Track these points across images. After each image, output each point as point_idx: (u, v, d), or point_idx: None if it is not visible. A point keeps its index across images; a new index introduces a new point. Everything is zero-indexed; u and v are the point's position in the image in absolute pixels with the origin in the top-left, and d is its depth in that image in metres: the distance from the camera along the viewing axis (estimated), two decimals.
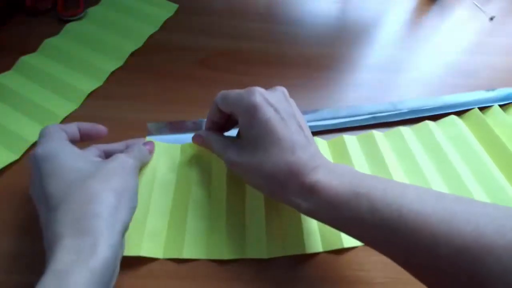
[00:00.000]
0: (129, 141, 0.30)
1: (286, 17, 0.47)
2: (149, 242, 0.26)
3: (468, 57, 0.45)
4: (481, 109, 0.37)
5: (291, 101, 0.27)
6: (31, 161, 0.23)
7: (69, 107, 0.34)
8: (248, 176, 0.26)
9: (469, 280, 0.18)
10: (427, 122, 0.36)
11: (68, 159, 0.23)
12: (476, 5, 0.53)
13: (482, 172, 0.32)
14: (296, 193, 0.23)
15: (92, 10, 0.43)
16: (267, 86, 0.39)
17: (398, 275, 0.28)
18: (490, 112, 0.37)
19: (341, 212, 0.22)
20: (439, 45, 0.47)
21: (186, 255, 0.26)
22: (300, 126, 0.25)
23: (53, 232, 0.20)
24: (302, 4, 0.49)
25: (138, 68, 0.39)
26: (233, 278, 0.27)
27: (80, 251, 0.19)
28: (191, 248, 0.27)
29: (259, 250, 0.27)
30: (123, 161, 0.24)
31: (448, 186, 0.32)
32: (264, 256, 0.27)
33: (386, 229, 0.20)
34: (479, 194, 0.31)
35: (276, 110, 0.25)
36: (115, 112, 0.35)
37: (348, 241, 0.28)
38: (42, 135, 0.25)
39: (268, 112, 0.24)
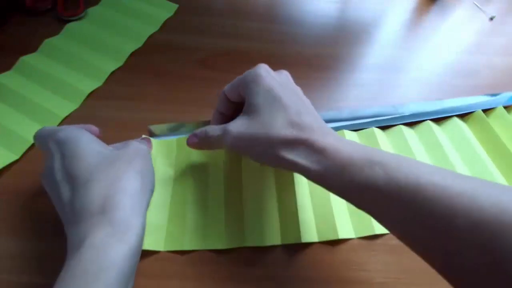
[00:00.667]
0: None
1: (286, 17, 0.47)
2: (150, 236, 0.26)
3: (468, 57, 0.45)
4: (485, 110, 0.37)
5: (297, 86, 0.28)
6: (49, 146, 0.24)
7: (69, 107, 0.34)
8: (255, 148, 0.25)
9: (481, 255, 0.17)
10: (429, 122, 0.36)
11: (90, 143, 0.24)
12: (476, 5, 0.53)
13: (482, 174, 0.32)
14: (304, 156, 0.23)
15: (92, 10, 0.43)
16: None
17: (398, 275, 0.28)
18: (493, 113, 0.37)
19: (353, 177, 0.21)
20: (439, 45, 0.47)
21: (186, 247, 0.27)
22: (304, 100, 0.26)
23: (80, 210, 0.20)
24: (302, 4, 0.49)
25: (138, 68, 0.39)
26: (231, 278, 0.27)
27: (115, 226, 0.20)
28: (192, 239, 0.27)
29: (257, 238, 0.28)
30: (139, 147, 0.25)
31: None
32: (261, 244, 0.27)
33: (401, 198, 0.20)
34: None
35: (279, 82, 0.25)
36: (115, 112, 0.35)
37: (343, 232, 0.28)
38: (45, 134, 0.25)
39: (272, 82, 0.25)
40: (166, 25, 0.44)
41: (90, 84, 0.36)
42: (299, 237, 0.28)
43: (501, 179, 0.32)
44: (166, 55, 0.40)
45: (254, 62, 0.41)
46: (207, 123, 0.33)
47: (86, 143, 0.23)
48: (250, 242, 0.27)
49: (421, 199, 0.19)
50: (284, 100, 0.24)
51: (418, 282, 0.28)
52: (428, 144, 0.34)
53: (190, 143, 0.28)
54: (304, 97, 0.27)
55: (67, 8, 0.42)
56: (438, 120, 0.37)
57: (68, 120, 0.34)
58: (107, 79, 0.37)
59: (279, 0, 0.49)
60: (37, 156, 0.31)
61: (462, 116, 0.37)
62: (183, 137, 0.31)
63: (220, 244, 0.27)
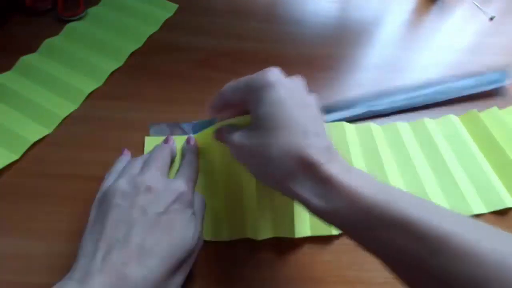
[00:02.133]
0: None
1: (286, 17, 0.47)
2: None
3: (468, 57, 0.45)
4: (480, 110, 0.37)
5: (311, 95, 0.25)
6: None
7: (69, 107, 0.34)
8: (252, 162, 0.23)
9: None
10: (425, 119, 0.36)
11: None
12: (476, 5, 0.53)
13: (475, 171, 0.33)
14: (306, 186, 0.20)
15: (92, 10, 0.43)
16: None
17: None
18: (488, 113, 0.37)
19: (363, 217, 0.19)
20: (439, 45, 0.46)
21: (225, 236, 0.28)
22: (315, 116, 0.23)
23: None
24: (302, 4, 0.49)
25: (138, 68, 0.39)
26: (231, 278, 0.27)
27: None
28: (228, 229, 0.28)
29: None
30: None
31: (440, 184, 0.32)
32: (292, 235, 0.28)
33: (421, 249, 0.17)
34: (471, 194, 0.31)
35: (290, 93, 0.22)
36: (115, 112, 0.35)
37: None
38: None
39: (281, 92, 0.22)
40: (166, 25, 0.44)
41: (90, 84, 0.36)
42: (293, 232, 0.28)
43: (493, 177, 0.32)
44: (166, 55, 0.40)
45: (254, 62, 0.41)
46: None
47: None
48: (281, 233, 0.28)
49: (444, 254, 0.16)
50: (292, 115, 0.21)
51: None
52: (423, 141, 0.35)
53: (216, 137, 0.28)
54: (315, 111, 0.23)
55: (67, 8, 0.42)
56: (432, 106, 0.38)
57: (68, 120, 0.34)
58: (107, 79, 0.37)
59: (279, 0, 0.49)
60: (37, 156, 0.31)
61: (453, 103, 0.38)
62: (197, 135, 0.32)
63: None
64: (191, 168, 0.28)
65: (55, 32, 0.40)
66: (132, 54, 0.40)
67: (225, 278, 0.26)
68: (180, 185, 0.24)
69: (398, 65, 0.43)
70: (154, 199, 0.23)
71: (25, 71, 0.36)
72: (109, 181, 0.25)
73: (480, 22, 0.51)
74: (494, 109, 0.37)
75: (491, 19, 0.51)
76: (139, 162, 0.27)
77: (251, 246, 0.28)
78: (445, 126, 0.36)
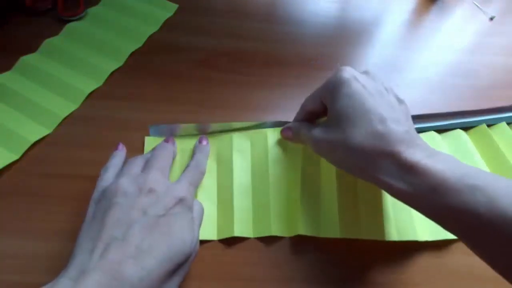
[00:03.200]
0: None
1: (286, 17, 0.47)
2: (204, 226, 0.27)
3: (468, 57, 0.45)
4: (489, 125, 0.37)
5: (386, 84, 0.25)
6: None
7: (69, 107, 0.34)
8: (334, 154, 0.24)
9: None
10: (433, 133, 0.36)
11: None
12: (476, 5, 0.53)
13: None
14: (388, 172, 0.21)
15: (92, 10, 0.43)
16: (267, 86, 0.39)
17: (398, 275, 0.28)
18: (497, 128, 0.36)
19: (448, 201, 0.19)
20: (439, 45, 0.46)
21: (236, 233, 0.28)
22: (391, 103, 0.23)
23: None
24: (302, 4, 0.49)
25: (138, 68, 0.39)
26: (233, 278, 0.27)
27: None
28: (241, 227, 0.28)
29: (314, 228, 0.28)
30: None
31: None
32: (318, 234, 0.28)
33: (504, 230, 0.18)
34: None
35: (364, 86, 0.23)
36: (115, 112, 0.35)
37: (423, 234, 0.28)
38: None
39: (355, 86, 0.23)
40: (166, 25, 0.44)
41: (90, 84, 0.36)
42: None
43: None
44: (166, 55, 0.40)
45: (253, 62, 0.41)
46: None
47: None
48: (307, 231, 0.28)
49: None
50: (367, 105, 0.22)
51: (418, 282, 0.28)
52: None
53: (284, 135, 0.30)
54: (393, 100, 0.24)
55: (67, 8, 0.42)
56: (441, 131, 0.36)
57: (68, 120, 0.34)
58: (107, 79, 0.37)
59: (279, 0, 0.49)
60: (37, 156, 0.31)
61: (466, 129, 0.37)
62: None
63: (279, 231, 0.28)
64: (196, 171, 0.28)
65: (55, 32, 0.40)
66: (132, 54, 0.40)
67: (225, 278, 0.26)
68: (182, 189, 0.25)
69: (398, 65, 0.43)
70: (155, 201, 0.23)
71: (25, 71, 0.36)
72: (107, 178, 0.25)
73: (480, 22, 0.51)
74: (503, 124, 0.37)
75: (491, 19, 0.51)
76: (140, 161, 0.27)
77: (251, 246, 0.28)
78: (453, 140, 0.36)
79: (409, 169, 0.20)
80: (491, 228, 0.18)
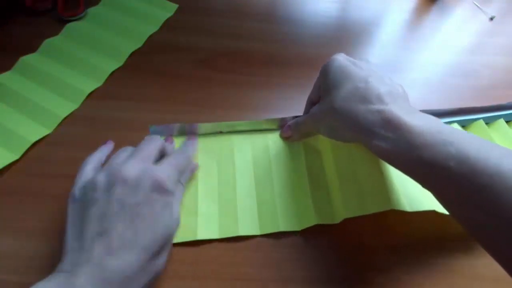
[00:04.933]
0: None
1: (286, 17, 0.47)
2: (202, 226, 0.28)
3: (468, 57, 0.45)
4: (487, 122, 0.36)
5: (384, 73, 0.26)
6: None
7: (69, 107, 0.34)
8: (326, 122, 0.26)
9: None
10: None
11: None
12: (476, 5, 0.53)
13: None
14: (367, 128, 0.21)
15: (92, 10, 0.43)
16: (267, 86, 0.39)
17: (398, 275, 0.28)
18: (494, 125, 0.36)
19: (422, 154, 0.20)
20: (439, 45, 0.46)
21: (241, 232, 0.28)
22: (376, 70, 0.25)
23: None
24: (302, 4, 0.49)
25: (138, 68, 0.39)
26: (234, 278, 0.27)
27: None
28: (246, 225, 0.29)
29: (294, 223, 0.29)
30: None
31: None
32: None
33: (472, 182, 0.18)
34: None
35: (354, 63, 0.25)
36: (115, 112, 0.35)
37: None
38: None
39: (344, 62, 0.25)
40: (166, 25, 0.44)
41: (90, 84, 0.36)
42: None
43: None
44: (166, 55, 0.40)
45: (254, 62, 0.41)
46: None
47: None
48: (320, 220, 0.28)
49: (497, 188, 0.18)
50: (354, 73, 0.24)
51: (418, 282, 0.28)
52: None
53: (284, 135, 0.31)
54: (387, 79, 0.24)
55: (67, 8, 0.42)
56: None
57: (69, 120, 0.34)
58: (107, 79, 0.37)
59: (279, 0, 0.49)
60: (37, 156, 0.31)
61: (464, 127, 0.37)
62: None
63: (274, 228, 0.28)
64: (181, 155, 0.28)
65: (55, 32, 0.40)
66: (132, 54, 0.40)
67: (225, 278, 0.26)
68: (161, 170, 0.24)
69: (398, 65, 0.43)
70: (130, 191, 0.22)
71: (25, 71, 0.36)
72: (85, 173, 0.25)
73: (480, 22, 0.51)
74: (501, 121, 0.37)
75: (491, 19, 0.51)
76: (126, 152, 0.26)
77: (251, 246, 0.28)
78: None
79: (386, 124, 0.21)
80: (461, 181, 0.19)
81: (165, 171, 0.25)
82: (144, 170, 0.24)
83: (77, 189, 0.24)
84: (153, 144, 0.27)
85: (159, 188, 0.23)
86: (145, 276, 0.21)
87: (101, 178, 0.23)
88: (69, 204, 0.24)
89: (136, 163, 0.24)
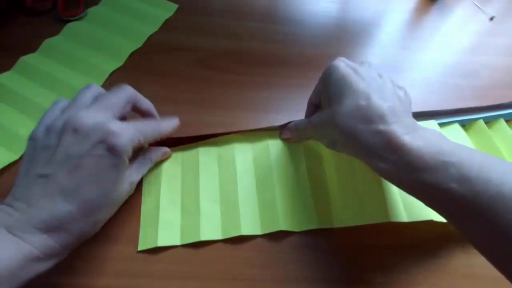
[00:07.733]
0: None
1: (286, 17, 0.47)
2: (164, 232, 0.27)
3: (468, 57, 0.45)
4: (486, 122, 0.36)
5: (386, 75, 0.25)
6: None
7: None
8: (326, 134, 0.26)
9: None
10: (431, 123, 0.35)
11: None
12: (476, 5, 0.53)
13: None
14: (368, 148, 0.21)
15: (92, 10, 0.43)
16: (267, 86, 0.39)
17: (398, 275, 0.28)
18: (494, 125, 0.36)
19: (424, 177, 0.20)
20: (439, 45, 0.46)
21: (204, 237, 0.28)
22: (381, 84, 0.24)
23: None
24: (302, 4, 0.49)
25: (138, 68, 0.39)
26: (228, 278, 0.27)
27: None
28: (208, 230, 0.28)
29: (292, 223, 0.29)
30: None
31: None
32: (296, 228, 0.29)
33: (475, 204, 0.18)
34: None
35: (355, 71, 0.24)
36: None
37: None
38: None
39: (345, 70, 0.24)
40: (166, 25, 0.44)
41: None
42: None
43: None
44: (166, 55, 0.40)
45: (253, 62, 0.41)
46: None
47: None
48: (320, 224, 0.29)
49: (498, 209, 0.18)
50: (355, 85, 0.23)
51: (418, 282, 0.28)
52: None
53: (284, 137, 0.31)
54: (389, 86, 0.24)
55: (67, 8, 0.42)
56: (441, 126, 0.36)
57: None
58: (107, 79, 0.37)
59: (279, 0, 0.49)
60: None
61: (464, 126, 0.37)
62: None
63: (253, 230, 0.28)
64: (153, 125, 0.27)
65: (55, 32, 0.40)
66: (132, 54, 0.40)
67: (225, 278, 0.26)
68: (115, 127, 0.22)
69: (398, 65, 0.43)
70: (78, 141, 0.22)
71: (25, 71, 0.36)
72: (53, 111, 0.25)
73: (480, 22, 0.51)
74: (501, 120, 0.37)
75: (491, 19, 0.51)
76: (92, 92, 0.25)
77: (252, 246, 0.28)
78: (449, 134, 0.35)
79: (387, 145, 0.20)
80: (463, 203, 0.19)
81: (124, 130, 0.23)
82: (100, 122, 0.22)
83: (37, 129, 0.24)
84: (122, 93, 0.25)
85: (110, 145, 0.22)
86: (73, 229, 0.21)
87: (58, 122, 0.23)
88: (28, 141, 0.24)
89: (96, 111, 0.23)
